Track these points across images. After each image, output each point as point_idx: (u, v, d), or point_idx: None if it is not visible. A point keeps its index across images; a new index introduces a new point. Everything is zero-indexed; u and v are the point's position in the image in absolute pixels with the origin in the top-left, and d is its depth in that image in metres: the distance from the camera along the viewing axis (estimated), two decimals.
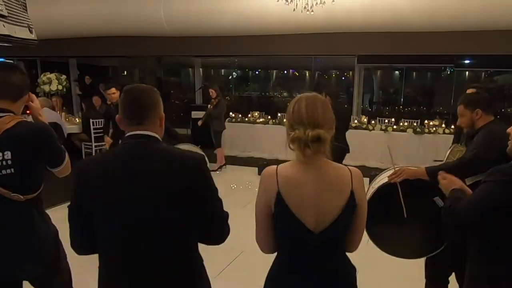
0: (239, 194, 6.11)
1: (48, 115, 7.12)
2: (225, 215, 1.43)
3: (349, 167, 1.42)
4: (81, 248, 1.42)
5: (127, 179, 1.30)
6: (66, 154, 1.89)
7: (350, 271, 1.47)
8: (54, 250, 1.91)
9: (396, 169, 2.05)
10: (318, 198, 1.35)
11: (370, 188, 2.22)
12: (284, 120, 1.48)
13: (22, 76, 1.85)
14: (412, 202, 2.01)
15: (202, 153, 1.56)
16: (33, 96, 1.97)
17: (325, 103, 1.41)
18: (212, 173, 1.46)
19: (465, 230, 1.55)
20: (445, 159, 3.85)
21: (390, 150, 2.27)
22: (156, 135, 1.38)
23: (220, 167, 7.12)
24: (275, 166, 1.40)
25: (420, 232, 2.09)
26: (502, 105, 9.77)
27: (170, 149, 1.41)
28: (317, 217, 1.35)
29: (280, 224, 1.39)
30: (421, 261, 2.84)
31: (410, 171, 2.03)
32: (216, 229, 1.42)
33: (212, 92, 6.95)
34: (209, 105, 7.03)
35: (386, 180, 2.08)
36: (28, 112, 2.01)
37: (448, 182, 1.69)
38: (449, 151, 3.96)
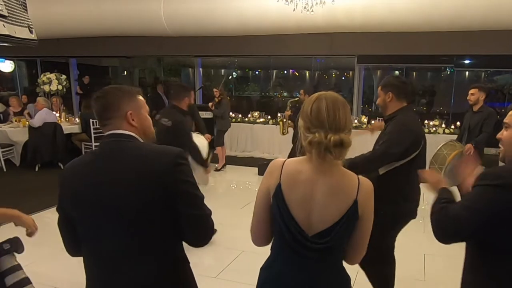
0: (239, 194, 6.10)
1: (46, 116, 7.15)
2: (206, 213, 1.34)
3: (362, 177, 1.34)
4: (69, 249, 1.43)
5: (99, 179, 1.28)
6: None
7: (343, 282, 1.41)
8: None
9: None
10: (317, 200, 1.30)
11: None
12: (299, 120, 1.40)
13: None
14: None
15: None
16: None
17: (346, 104, 1.33)
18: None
19: (459, 237, 1.41)
20: (436, 150, 4.02)
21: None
22: (128, 133, 1.34)
23: (223, 166, 7.16)
24: (284, 159, 1.37)
25: None
26: (501, 105, 9.76)
27: (144, 146, 1.35)
28: (312, 219, 1.30)
29: (276, 218, 1.34)
30: (421, 262, 2.84)
31: None
32: (197, 228, 1.33)
33: (216, 92, 6.99)
34: (209, 103, 7.07)
35: None
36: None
37: (437, 181, 1.62)
38: (442, 144, 4.08)
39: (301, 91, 6.11)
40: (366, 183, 1.33)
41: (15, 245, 1.69)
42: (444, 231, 1.40)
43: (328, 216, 1.29)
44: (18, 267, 1.70)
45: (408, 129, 2.38)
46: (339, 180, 1.31)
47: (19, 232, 1.79)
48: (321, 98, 1.33)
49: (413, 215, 2.51)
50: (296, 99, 6.48)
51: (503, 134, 1.47)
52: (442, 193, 1.53)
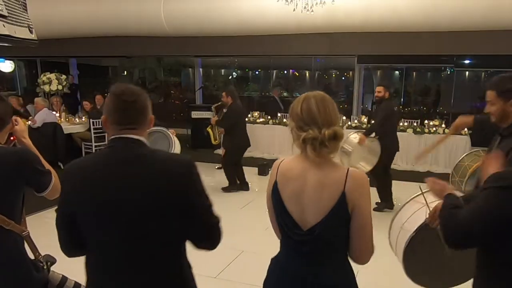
0: (239, 194, 6.10)
1: (47, 116, 7.14)
2: (216, 221, 1.37)
3: (352, 169, 1.36)
4: (65, 249, 1.40)
5: (112, 183, 1.28)
6: (52, 175, 1.75)
7: (347, 278, 1.43)
8: None
9: (430, 208, 1.83)
10: (307, 194, 1.35)
11: (399, 228, 2.05)
12: (288, 120, 1.50)
13: (3, 104, 1.71)
14: None
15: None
16: (18, 118, 1.87)
17: (333, 101, 1.39)
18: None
19: (470, 242, 1.39)
20: (457, 161, 3.74)
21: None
22: (143, 139, 1.34)
23: None
24: (282, 158, 1.46)
25: (459, 257, 1.78)
26: None
27: (158, 153, 1.36)
28: (306, 213, 1.36)
29: (276, 215, 1.44)
30: None
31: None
32: (207, 235, 1.38)
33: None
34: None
35: (422, 221, 1.91)
36: (12, 138, 1.87)
37: (441, 188, 1.60)
38: (465, 153, 3.82)
39: (224, 94, 5.87)
40: (356, 175, 1.34)
41: (51, 260, 1.83)
42: (455, 235, 1.38)
43: (319, 209, 1.34)
44: (65, 278, 1.87)
45: None
46: (327, 174, 1.35)
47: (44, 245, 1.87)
48: (309, 97, 1.38)
49: None
50: (219, 103, 6.30)
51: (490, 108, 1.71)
52: (448, 200, 1.49)
